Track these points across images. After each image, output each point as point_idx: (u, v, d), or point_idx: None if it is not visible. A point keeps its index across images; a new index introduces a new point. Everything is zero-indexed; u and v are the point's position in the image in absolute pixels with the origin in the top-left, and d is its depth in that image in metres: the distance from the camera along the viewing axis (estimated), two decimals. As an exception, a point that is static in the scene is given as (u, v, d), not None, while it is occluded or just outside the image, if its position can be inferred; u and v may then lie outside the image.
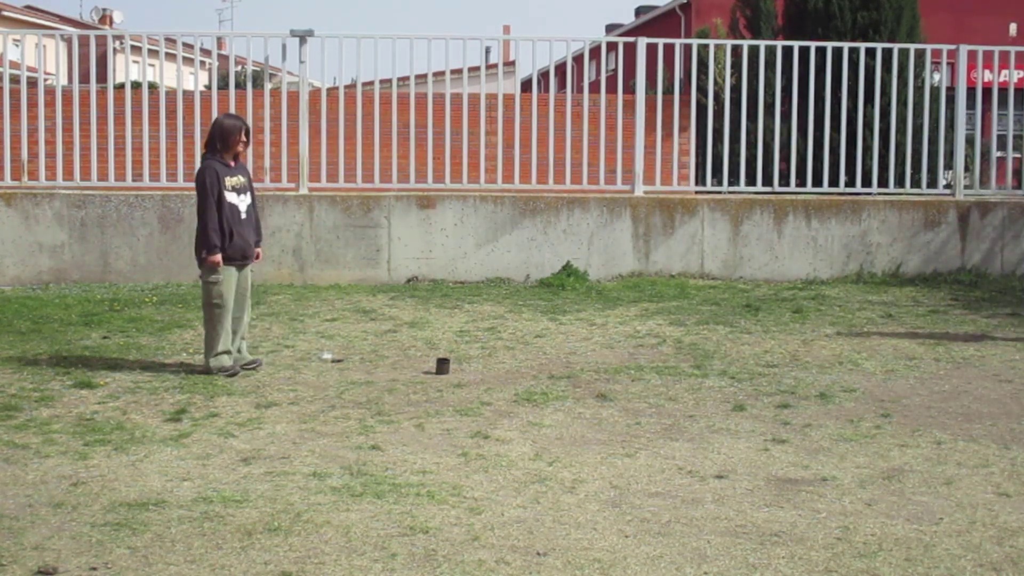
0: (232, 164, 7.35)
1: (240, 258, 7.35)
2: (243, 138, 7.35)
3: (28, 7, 46.33)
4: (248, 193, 7.44)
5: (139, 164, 11.36)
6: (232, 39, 14.81)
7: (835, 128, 12.39)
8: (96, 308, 9.44)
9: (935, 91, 12.84)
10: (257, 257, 7.57)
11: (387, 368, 7.54)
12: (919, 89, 12.16)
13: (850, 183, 12.12)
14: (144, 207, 10.96)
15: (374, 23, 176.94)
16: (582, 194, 11.50)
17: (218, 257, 7.18)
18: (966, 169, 12.37)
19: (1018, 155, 16.01)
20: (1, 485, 5.01)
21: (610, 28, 43.73)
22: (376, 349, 8.11)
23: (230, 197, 7.23)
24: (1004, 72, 15.14)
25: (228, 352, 7.29)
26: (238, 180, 7.32)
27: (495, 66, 22.23)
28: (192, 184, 10.97)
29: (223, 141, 7.28)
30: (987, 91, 12.38)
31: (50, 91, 11.59)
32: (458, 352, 8.00)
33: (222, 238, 7.19)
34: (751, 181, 12.08)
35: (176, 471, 5.23)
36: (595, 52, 28.07)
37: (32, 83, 12.76)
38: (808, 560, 4.22)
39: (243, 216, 7.34)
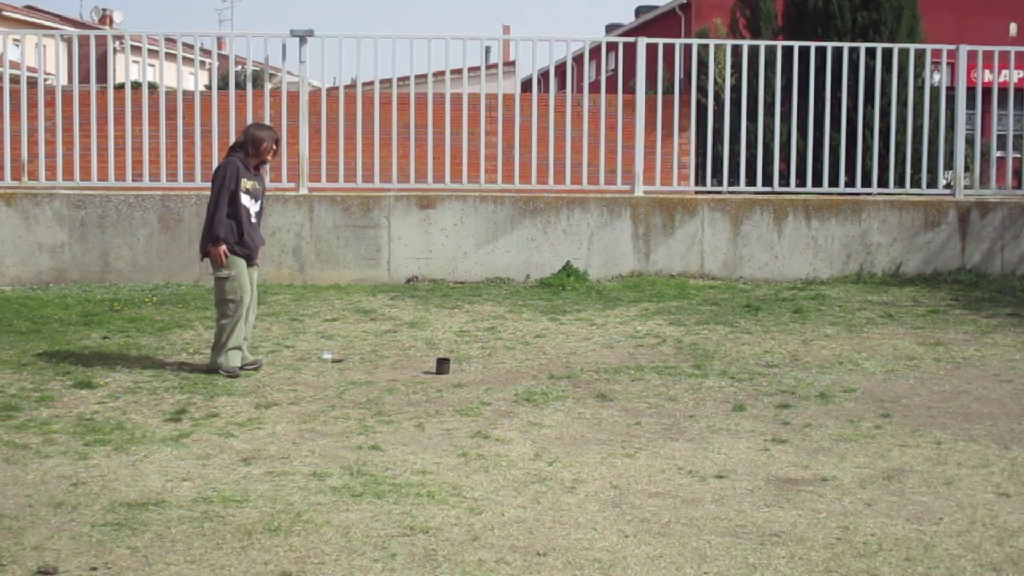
0: (253, 171, 7.40)
1: (247, 257, 7.39)
2: (274, 147, 7.41)
3: (28, 7, 46.32)
4: (260, 200, 7.50)
5: (139, 164, 11.36)
6: (232, 39, 14.79)
7: (835, 128, 12.39)
8: (96, 308, 9.44)
9: (935, 91, 12.84)
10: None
11: (387, 368, 7.54)
12: (919, 89, 12.16)
13: (850, 183, 12.12)
14: (144, 207, 10.96)
15: (374, 23, 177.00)
16: (582, 194, 11.50)
17: (222, 248, 7.20)
18: (966, 169, 12.36)
19: (1018, 155, 16.01)
20: (1, 485, 5.01)
21: (610, 28, 43.74)
22: (376, 349, 8.12)
23: (244, 199, 7.27)
24: (1004, 72, 15.14)
25: (239, 348, 7.30)
26: (254, 184, 7.38)
27: (495, 66, 22.25)
28: (192, 184, 11.10)
29: (255, 147, 7.33)
30: (987, 91, 12.38)
31: (50, 91, 11.58)
32: (458, 352, 8.00)
33: (233, 235, 7.24)
34: (751, 181, 12.08)
35: (176, 471, 5.23)
36: (595, 52, 28.07)
37: (32, 83, 12.76)
38: (808, 560, 4.22)
39: (253, 220, 7.39)
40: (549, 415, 6.34)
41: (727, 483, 5.14)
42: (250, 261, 7.42)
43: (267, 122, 11.30)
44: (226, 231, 7.22)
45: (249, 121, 11.29)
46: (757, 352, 8.08)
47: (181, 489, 4.96)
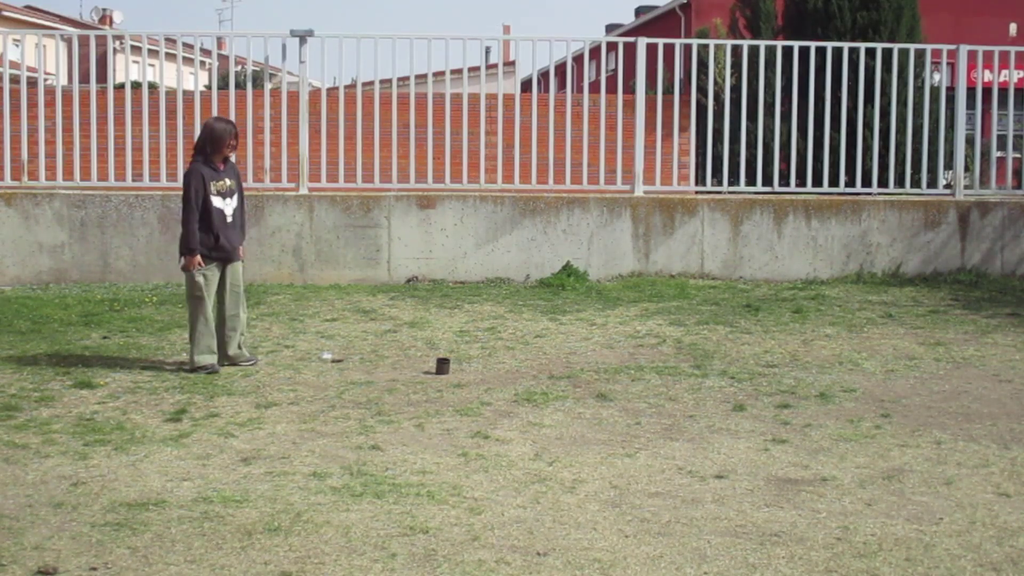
0: (221, 167, 7.41)
1: (224, 259, 7.45)
2: (232, 142, 7.43)
3: (28, 7, 46.31)
4: (235, 196, 7.52)
5: (139, 164, 11.36)
6: (232, 39, 14.79)
7: (835, 128, 12.39)
8: (96, 308, 9.44)
9: (935, 91, 12.84)
10: (240, 255, 7.63)
11: (387, 368, 7.54)
12: (919, 89, 12.16)
13: (850, 183, 12.12)
14: (144, 207, 10.96)
15: (374, 23, 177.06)
16: (582, 194, 11.49)
17: (195, 260, 7.29)
18: (966, 169, 12.36)
19: (1018, 155, 16.00)
20: (1, 485, 5.01)
21: (610, 28, 43.74)
22: (376, 349, 8.12)
23: (216, 202, 7.35)
24: (1004, 72, 15.14)
25: (212, 352, 7.35)
26: (224, 184, 7.41)
27: (495, 66, 22.24)
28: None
29: (212, 144, 7.36)
30: (987, 91, 12.37)
31: (50, 91, 11.58)
32: (458, 352, 8.00)
33: (209, 240, 7.31)
34: (751, 181, 12.08)
35: (176, 471, 5.23)
36: (595, 52, 28.07)
37: (32, 83, 12.76)
38: (808, 560, 4.22)
39: (229, 220, 7.44)
40: (549, 415, 6.34)
41: (727, 483, 5.14)
42: (228, 261, 7.46)
43: (267, 122, 11.32)
44: (200, 240, 7.30)
45: (250, 121, 11.34)
46: (757, 352, 8.08)
47: (181, 489, 4.96)
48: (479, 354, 7.97)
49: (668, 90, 11.98)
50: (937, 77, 14.02)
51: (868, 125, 12.22)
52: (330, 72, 31.93)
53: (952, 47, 12.22)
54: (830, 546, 4.37)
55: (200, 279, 7.32)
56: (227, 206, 7.42)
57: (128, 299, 9.91)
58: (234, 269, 7.53)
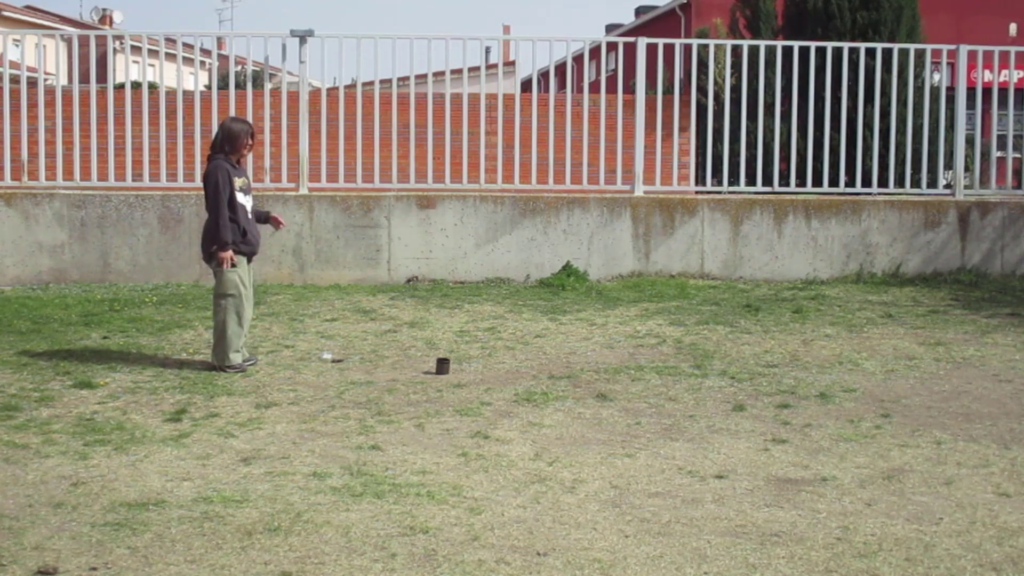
0: (237, 165, 7.46)
1: (250, 254, 7.52)
2: (249, 141, 7.47)
3: (28, 7, 46.31)
4: (250, 194, 7.59)
5: (139, 164, 11.36)
6: (232, 39, 14.82)
7: (835, 128, 12.39)
8: (96, 308, 9.44)
9: (935, 91, 12.84)
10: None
11: (387, 368, 7.54)
12: (919, 89, 12.15)
13: (850, 183, 12.12)
14: (144, 207, 10.96)
15: (374, 23, 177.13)
16: (582, 194, 11.49)
17: (229, 254, 7.28)
18: (966, 169, 12.36)
19: (1018, 155, 16.02)
20: (1, 485, 5.01)
21: (610, 28, 43.75)
22: (376, 349, 8.11)
23: (240, 197, 7.37)
24: (1004, 72, 15.14)
25: (239, 351, 7.36)
26: (244, 181, 7.48)
27: (495, 66, 22.22)
28: (192, 184, 11.10)
29: (231, 144, 7.38)
30: (987, 91, 12.37)
31: (50, 91, 11.58)
32: (458, 352, 8.00)
33: (237, 235, 7.34)
34: (751, 181, 12.08)
35: (176, 471, 5.23)
36: (595, 52, 28.07)
37: (32, 83, 12.76)
38: (808, 560, 4.22)
39: (250, 216, 7.52)
40: (549, 415, 6.34)
41: (727, 483, 5.14)
42: (251, 258, 7.51)
43: (267, 122, 11.32)
44: (232, 233, 7.30)
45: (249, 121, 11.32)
46: (757, 352, 8.08)
47: (181, 489, 4.96)
48: (479, 354, 7.97)
49: (668, 90, 11.98)
50: (937, 77, 14.03)
51: (868, 125, 12.22)
52: (330, 72, 31.95)
53: (952, 47, 12.22)
54: (830, 546, 4.37)
55: (235, 276, 7.31)
56: (247, 202, 7.49)
57: (128, 299, 9.90)
58: (251, 268, 7.58)
